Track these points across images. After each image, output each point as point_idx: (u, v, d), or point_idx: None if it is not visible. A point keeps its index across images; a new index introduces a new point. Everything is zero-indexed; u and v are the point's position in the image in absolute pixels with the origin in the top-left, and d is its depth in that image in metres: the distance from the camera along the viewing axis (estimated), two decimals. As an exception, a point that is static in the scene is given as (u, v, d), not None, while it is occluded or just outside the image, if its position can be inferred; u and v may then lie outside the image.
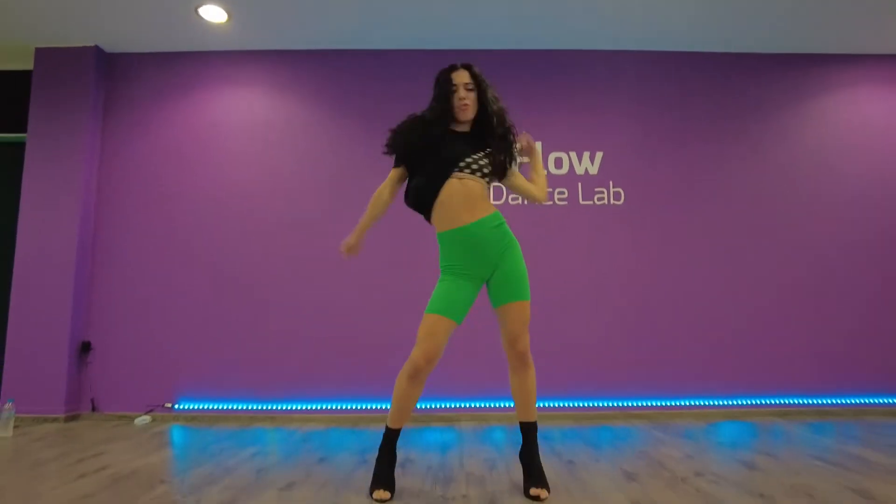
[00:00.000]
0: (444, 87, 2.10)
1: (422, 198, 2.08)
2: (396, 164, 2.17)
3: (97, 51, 3.85)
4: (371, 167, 3.80)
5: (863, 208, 3.85)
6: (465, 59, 2.18)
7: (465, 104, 2.07)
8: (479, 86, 2.10)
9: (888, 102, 3.98)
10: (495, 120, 2.10)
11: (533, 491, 1.95)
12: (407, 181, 2.18)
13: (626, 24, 3.66)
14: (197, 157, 3.85)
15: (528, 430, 2.08)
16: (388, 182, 2.19)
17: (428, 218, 2.13)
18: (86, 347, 3.64)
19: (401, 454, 2.64)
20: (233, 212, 3.78)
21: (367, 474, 2.27)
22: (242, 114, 3.89)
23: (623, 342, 3.67)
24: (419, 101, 3.78)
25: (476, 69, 2.13)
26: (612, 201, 3.81)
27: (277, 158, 3.84)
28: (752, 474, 2.26)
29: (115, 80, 3.93)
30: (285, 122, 3.88)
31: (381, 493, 1.94)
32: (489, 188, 2.14)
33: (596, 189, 3.81)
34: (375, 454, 2.09)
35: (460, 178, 2.03)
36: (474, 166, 2.05)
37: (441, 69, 2.15)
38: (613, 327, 3.68)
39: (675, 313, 3.70)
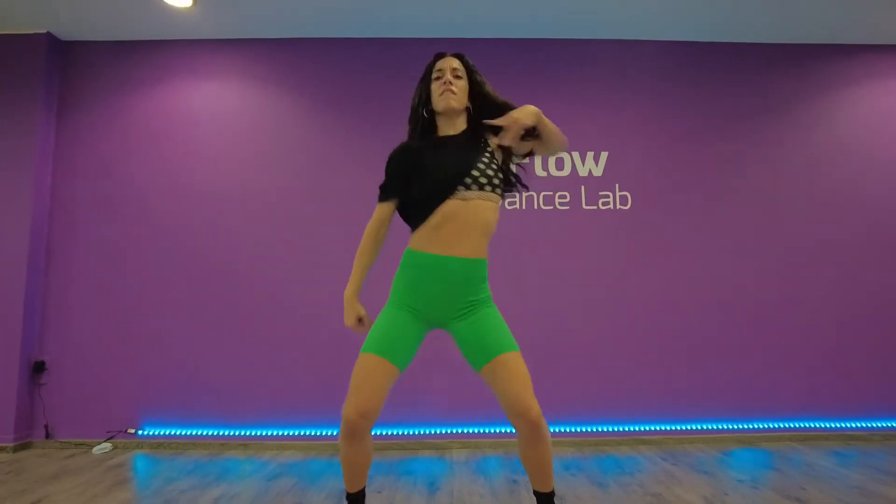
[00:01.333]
0: (426, 76, 1.78)
1: (413, 216, 1.72)
2: (384, 199, 1.77)
3: (49, 38, 3.48)
4: (346, 159, 3.48)
5: (888, 210, 3.55)
6: (456, 50, 1.83)
7: (451, 90, 1.70)
8: (470, 75, 1.76)
9: (915, 97, 3.67)
10: (496, 110, 1.73)
11: None
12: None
13: (636, 10, 3.33)
14: (162, 155, 3.49)
15: (546, 500, 1.69)
16: (379, 222, 1.79)
17: (413, 227, 1.75)
18: (39, 367, 3.30)
19: (386, 494, 2.35)
20: (202, 215, 3.44)
21: (341, 532, 1.97)
22: (210, 106, 3.53)
23: (629, 360, 3.36)
24: (395, 91, 3.45)
25: (469, 59, 1.79)
26: (618, 206, 3.48)
27: (246, 152, 3.49)
28: (785, 531, 1.97)
29: (70, 70, 3.56)
30: (256, 114, 3.53)
31: None
32: (497, 214, 1.72)
33: (601, 193, 3.49)
34: None
35: (465, 199, 1.64)
36: (482, 179, 1.65)
37: (425, 68, 1.81)
38: (619, 344, 3.37)
39: (685, 328, 3.39)
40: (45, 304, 3.38)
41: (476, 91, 1.75)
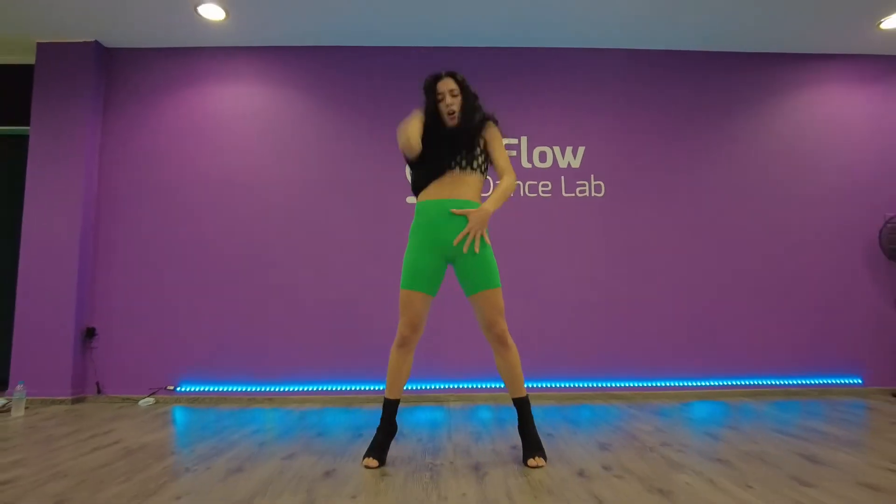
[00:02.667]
0: (430, 97, 2.28)
1: (417, 182, 2.29)
2: None
3: (97, 46, 3.97)
4: (363, 159, 3.98)
5: (831, 202, 4.07)
6: (452, 64, 2.37)
7: (453, 111, 2.24)
8: (463, 91, 2.27)
9: (854, 99, 4.19)
10: (471, 127, 2.28)
11: (531, 462, 2.13)
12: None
13: (608, 23, 3.84)
14: (196, 149, 3.99)
15: (521, 406, 2.23)
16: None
17: (415, 193, 2.32)
18: (90, 333, 3.80)
19: (393, 429, 2.84)
20: (231, 201, 3.94)
21: (362, 446, 2.47)
22: (238, 108, 4.04)
23: (603, 327, 3.88)
24: (410, 96, 3.98)
25: (460, 76, 2.29)
26: (593, 194, 4.00)
27: (274, 150, 4.00)
28: (714, 444, 2.48)
29: (114, 74, 4.06)
30: (279, 115, 4.03)
31: (370, 461, 2.15)
32: (482, 181, 2.29)
33: (578, 182, 4.01)
34: (370, 430, 2.29)
35: (454, 174, 2.22)
36: (463, 163, 2.22)
37: (427, 78, 2.30)
38: (594, 313, 3.88)
39: (652, 300, 3.91)
40: (94, 278, 3.87)
41: (468, 100, 2.29)
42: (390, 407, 2.25)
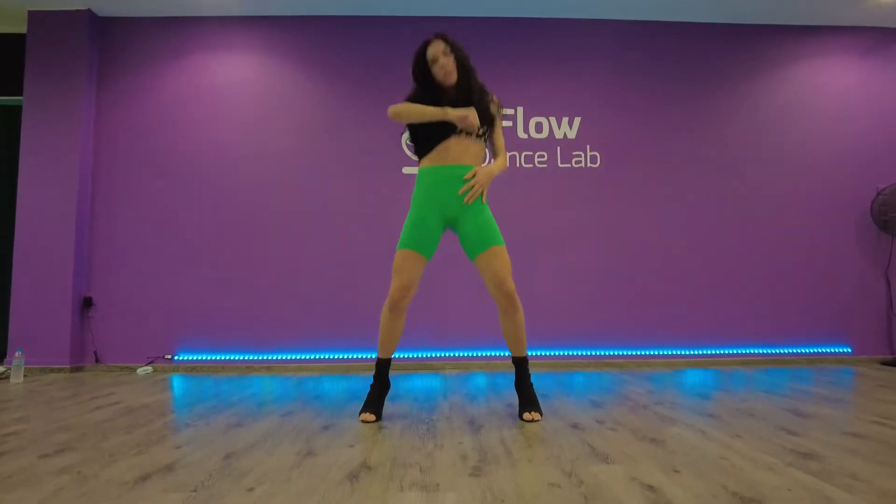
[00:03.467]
0: (422, 65, 2.24)
1: (420, 147, 2.28)
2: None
3: (90, 14, 3.94)
4: (363, 130, 3.98)
5: (824, 174, 4.11)
6: (441, 29, 2.31)
7: (448, 71, 2.20)
8: (454, 50, 2.23)
9: (854, 72, 4.21)
10: (472, 86, 2.26)
11: (526, 416, 2.17)
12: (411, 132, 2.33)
13: (604, -7, 3.83)
14: (192, 119, 3.98)
15: (521, 364, 2.26)
16: None
17: (419, 157, 2.31)
18: (88, 303, 3.81)
19: (390, 393, 2.89)
20: (228, 171, 3.94)
21: (359, 405, 2.51)
22: (235, 78, 4.02)
23: (597, 297, 3.92)
24: (405, 66, 3.96)
25: (449, 37, 2.25)
26: (588, 164, 4.03)
27: (271, 121, 4.00)
28: (705, 403, 2.54)
29: (109, 43, 4.03)
30: (277, 86, 4.02)
31: (367, 416, 2.18)
32: (483, 149, 2.30)
33: (574, 153, 4.03)
34: (366, 393, 2.32)
35: (459, 141, 2.21)
36: (470, 130, 2.19)
37: (417, 50, 2.25)
38: (588, 283, 3.93)
39: (646, 270, 3.96)
40: (92, 248, 3.88)
41: (460, 57, 2.25)
42: (383, 366, 2.28)
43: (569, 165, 4.02)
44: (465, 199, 2.18)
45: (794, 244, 4.04)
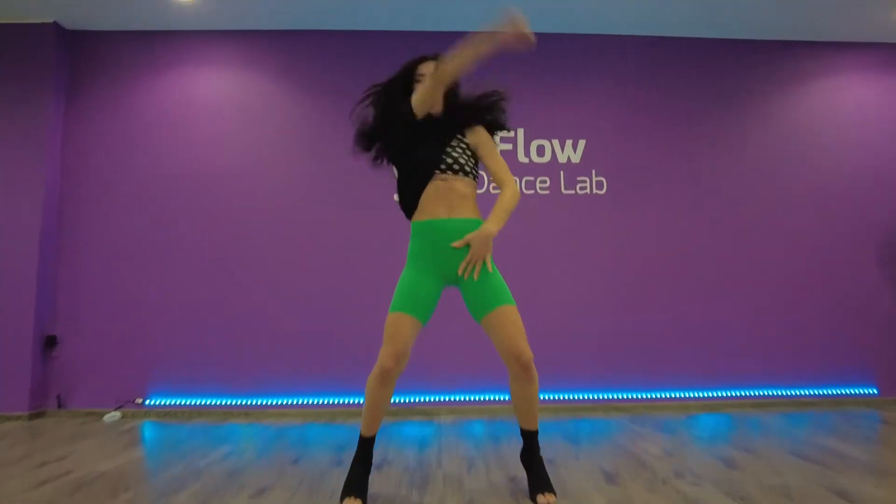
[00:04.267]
0: (408, 77, 2.02)
1: (406, 200, 2.01)
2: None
3: (56, 27, 3.65)
4: (345, 146, 3.67)
5: (845, 198, 3.84)
6: (443, 50, 2.05)
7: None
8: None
9: (873, 89, 3.96)
10: (476, 101, 2.04)
11: (541, 499, 1.87)
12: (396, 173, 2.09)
13: (612, 7, 3.57)
14: (167, 140, 3.69)
15: (531, 438, 1.99)
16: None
17: (408, 215, 2.05)
18: (51, 341, 3.51)
19: (377, 454, 2.58)
20: (205, 197, 3.65)
21: (341, 476, 2.20)
22: (213, 95, 3.74)
23: (602, 334, 3.64)
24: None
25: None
26: (594, 190, 3.75)
27: (250, 141, 3.70)
28: (731, 474, 2.25)
29: (77, 58, 3.74)
30: (257, 103, 3.74)
31: (351, 502, 1.87)
32: (476, 182, 2.03)
33: (578, 178, 3.75)
34: (351, 451, 2.02)
35: (444, 180, 1.94)
36: (455, 166, 1.95)
37: (406, 62, 2.05)
38: (593, 319, 3.64)
39: (655, 305, 3.68)
40: (57, 280, 3.58)
41: (451, 90, 2.02)
42: (367, 444, 1.97)
43: (573, 192, 3.74)
44: (465, 276, 1.89)
45: (813, 275, 3.77)
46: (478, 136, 2.05)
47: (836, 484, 2.10)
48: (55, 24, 3.64)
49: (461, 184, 1.96)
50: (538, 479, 1.94)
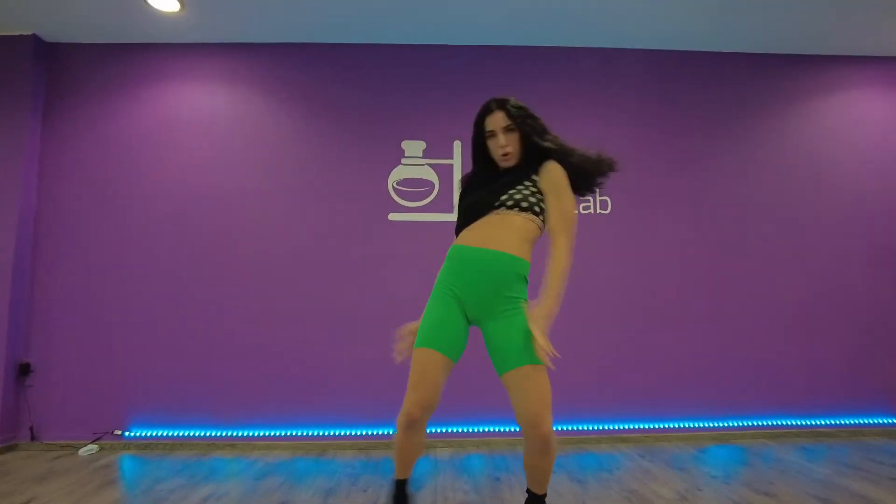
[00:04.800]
0: (479, 137, 1.83)
1: (458, 227, 1.83)
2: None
3: (35, 39, 3.49)
4: (336, 169, 3.53)
5: (860, 218, 3.68)
6: (443, 63, 1.89)
7: (507, 152, 1.77)
8: (520, 123, 1.77)
9: (882, 104, 3.81)
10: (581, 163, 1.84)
11: None
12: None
13: (617, 21, 3.43)
14: (149, 157, 3.51)
15: (537, 501, 1.77)
16: None
17: (456, 233, 1.86)
18: (24, 369, 3.31)
19: (370, 495, 2.41)
20: (187, 220, 3.47)
21: (329, 529, 2.03)
22: (196, 109, 3.56)
23: (608, 360, 3.46)
24: (378, 94, 3.55)
25: (512, 103, 1.78)
26: (598, 210, 3.59)
27: (235, 159, 3.53)
28: (753, 523, 2.07)
29: (56, 72, 3.56)
30: (240, 117, 3.56)
31: None
32: (538, 224, 1.78)
33: (582, 198, 3.58)
34: (341, 493, 1.83)
35: (499, 215, 1.73)
36: (509, 202, 1.73)
37: (476, 116, 1.83)
38: (598, 345, 3.46)
39: (663, 330, 3.50)
40: (31, 305, 3.39)
41: (527, 134, 1.78)
42: (401, 486, 1.76)
43: (577, 211, 3.57)
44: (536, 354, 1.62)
45: (828, 298, 3.60)
46: (548, 171, 1.79)
47: (870, 539, 1.92)
48: (34, 36, 3.48)
49: (516, 218, 1.73)
50: None
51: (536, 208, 1.75)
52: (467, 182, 1.89)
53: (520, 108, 1.79)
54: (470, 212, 1.77)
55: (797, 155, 3.72)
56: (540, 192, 1.76)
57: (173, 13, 3.28)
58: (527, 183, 1.76)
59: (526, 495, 1.78)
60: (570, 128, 3.59)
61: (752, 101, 3.75)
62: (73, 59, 3.57)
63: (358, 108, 3.58)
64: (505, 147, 1.76)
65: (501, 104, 1.78)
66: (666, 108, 3.71)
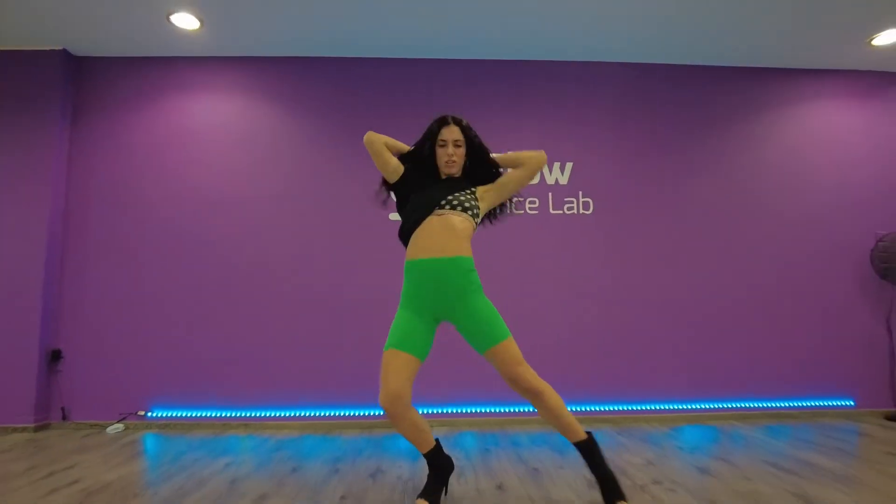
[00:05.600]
0: (432, 141, 2.16)
1: (404, 233, 2.16)
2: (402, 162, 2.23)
3: (64, 54, 3.80)
4: (343, 174, 3.84)
5: (821, 218, 4.00)
6: (437, 76, 2.25)
7: (453, 161, 2.14)
8: (469, 141, 2.16)
9: (851, 115, 4.14)
10: (490, 168, 2.23)
11: None
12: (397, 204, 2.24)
13: (599, 37, 3.74)
14: (169, 161, 3.83)
15: (584, 450, 2.03)
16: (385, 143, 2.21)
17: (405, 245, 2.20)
18: (55, 356, 3.62)
19: (372, 464, 2.72)
20: (204, 216, 3.78)
21: (339, 484, 2.35)
22: (212, 118, 3.88)
23: (589, 348, 3.77)
24: (381, 105, 3.87)
25: (465, 123, 2.17)
26: (581, 211, 3.90)
27: (250, 161, 3.85)
28: (705, 480, 2.38)
29: (84, 83, 3.88)
30: (254, 125, 3.88)
31: (419, 501, 2.00)
32: (473, 224, 2.14)
33: (566, 199, 3.90)
34: (347, 463, 2.15)
35: (440, 215, 2.06)
36: (454, 202, 2.08)
37: (433, 120, 2.19)
38: (580, 334, 3.78)
39: (640, 320, 3.82)
40: (61, 298, 3.70)
41: (473, 152, 2.19)
42: (430, 456, 2.09)
43: (560, 212, 3.89)
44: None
45: (793, 292, 3.92)
46: (487, 189, 2.22)
47: (804, 491, 2.23)
48: (63, 50, 3.79)
49: (457, 218, 2.07)
50: (608, 488, 1.99)
51: (473, 211, 2.11)
52: (407, 176, 2.20)
53: (470, 128, 2.17)
54: (417, 207, 2.09)
55: (766, 161, 4.04)
56: (477, 200, 2.15)
57: (193, 30, 3.60)
58: (467, 192, 2.14)
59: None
60: (549, 138, 3.95)
61: (724, 111, 4.07)
62: (100, 71, 3.89)
63: (364, 117, 3.89)
64: (451, 156, 2.12)
65: (458, 122, 2.16)
66: (642, 118, 4.03)
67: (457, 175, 2.19)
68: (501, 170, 2.28)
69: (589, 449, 2.03)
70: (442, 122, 2.17)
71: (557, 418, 2.01)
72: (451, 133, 2.14)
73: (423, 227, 2.07)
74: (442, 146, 2.14)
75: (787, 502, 2.09)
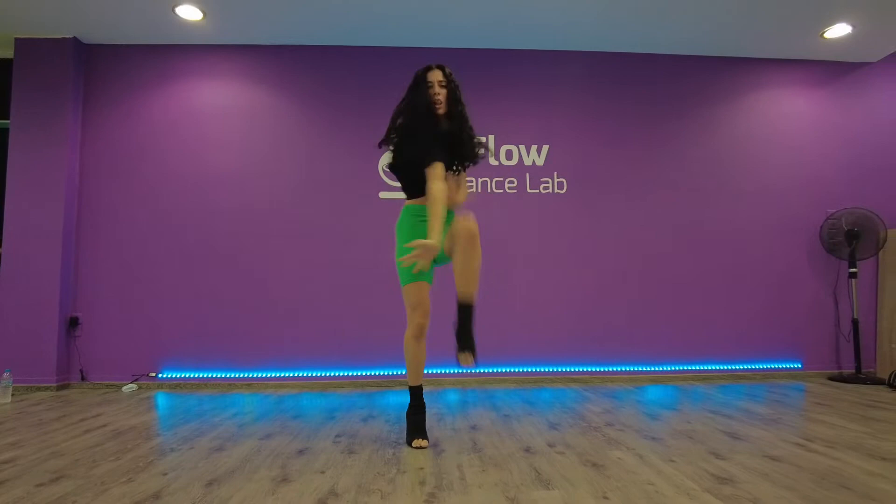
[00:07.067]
0: (422, 85, 2.41)
1: (409, 190, 2.46)
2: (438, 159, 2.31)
3: (75, 41, 4.06)
4: (339, 155, 4.15)
5: (779, 198, 4.36)
6: (436, 59, 2.51)
7: (439, 99, 2.40)
8: (449, 84, 2.42)
9: (803, 101, 4.47)
10: (460, 122, 2.46)
11: (460, 357, 2.19)
12: (395, 151, 2.48)
13: (573, 27, 4.03)
14: (175, 145, 4.13)
15: (464, 308, 2.20)
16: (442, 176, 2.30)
17: (406, 184, 2.47)
18: (74, 322, 3.95)
19: (364, 412, 3.08)
20: (208, 195, 4.10)
21: (334, 427, 2.70)
22: (219, 104, 4.17)
23: (564, 315, 4.14)
24: (381, 91, 4.17)
25: (448, 69, 2.45)
26: (555, 190, 4.24)
27: (253, 147, 4.16)
28: (651, 423, 2.76)
29: (94, 69, 4.16)
30: (257, 111, 4.18)
31: (420, 441, 2.34)
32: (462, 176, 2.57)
33: (542, 179, 4.24)
34: (343, 412, 2.49)
35: (447, 177, 2.35)
36: (457, 167, 2.48)
37: (419, 68, 2.45)
38: (555, 301, 4.14)
39: (609, 289, 4.18)
40: (78, 268, 4.02)
41: (451, 97, 2.44)
42: (418, 391, 2.46)
43: (537, 191, 4.23)
44: (413, 270, 2.20)
45: (749, 265, 4.29)
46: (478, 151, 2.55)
47: (733, 430, 2.61)
48: (74, 38, 4.06)
49: (450, 179, 2.41)
50: (461, 342, 2.19)
51: (458, 171, 2.52)
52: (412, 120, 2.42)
53: (452, 75, 2.43)
54: (422, 180, 2.31)
55: (728, 143, 4.38)
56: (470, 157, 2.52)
57: (197, 21, 3.87)
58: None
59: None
60: (526, 122, 4.25)
61: (689, 97, 4.40)
62: (109, 58, 4.16)
63: (357, 102, 4.19)
64: (437, 96, 2.38)
65: (441, 67, 2.43)
66: (614, 103, 4.35)
67: (447, 115, 2.42)
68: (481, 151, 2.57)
69: (469, 312, 2.21)
70: (427, 68, 2.44)
71: (475, 270, 2.22)
72: (435, 75, 2.40)
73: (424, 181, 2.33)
74: (430, 88, 2.40)
75: (716, 437, 2.46)
